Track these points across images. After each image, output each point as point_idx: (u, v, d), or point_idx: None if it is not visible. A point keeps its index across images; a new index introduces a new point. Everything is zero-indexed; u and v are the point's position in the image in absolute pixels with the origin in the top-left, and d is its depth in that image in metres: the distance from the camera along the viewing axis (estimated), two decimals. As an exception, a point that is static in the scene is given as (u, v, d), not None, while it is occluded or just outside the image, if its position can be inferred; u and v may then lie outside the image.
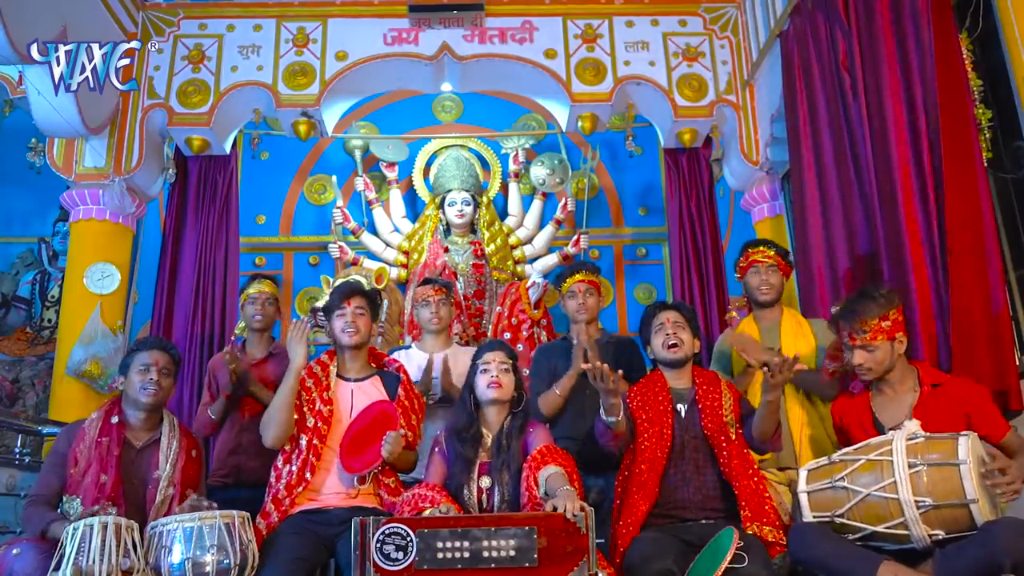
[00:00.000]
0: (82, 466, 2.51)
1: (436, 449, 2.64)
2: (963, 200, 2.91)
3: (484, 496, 2.49)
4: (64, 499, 2.48)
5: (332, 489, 2.65)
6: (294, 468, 2.65)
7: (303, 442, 2.68)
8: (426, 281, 3.66)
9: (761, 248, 3.21)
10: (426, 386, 3.24)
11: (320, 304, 4.04)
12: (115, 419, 2.63)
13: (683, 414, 2.68)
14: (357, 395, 2.80)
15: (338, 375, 2.84)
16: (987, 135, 3.01)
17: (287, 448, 2.72)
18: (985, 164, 2.97)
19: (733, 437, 2.61)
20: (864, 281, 3.30)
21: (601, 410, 2.55)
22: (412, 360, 3.38)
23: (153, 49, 4.78)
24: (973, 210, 2.89)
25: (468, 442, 2.57)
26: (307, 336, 2.78)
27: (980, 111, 3.03)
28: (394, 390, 2.83)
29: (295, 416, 2.72)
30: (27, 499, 2.59)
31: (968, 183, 2.91)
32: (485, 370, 2.62)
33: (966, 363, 2.80)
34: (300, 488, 2.62)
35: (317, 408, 2.71)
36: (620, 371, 2.49)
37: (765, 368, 2.49)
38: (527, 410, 2.66)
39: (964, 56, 3.05)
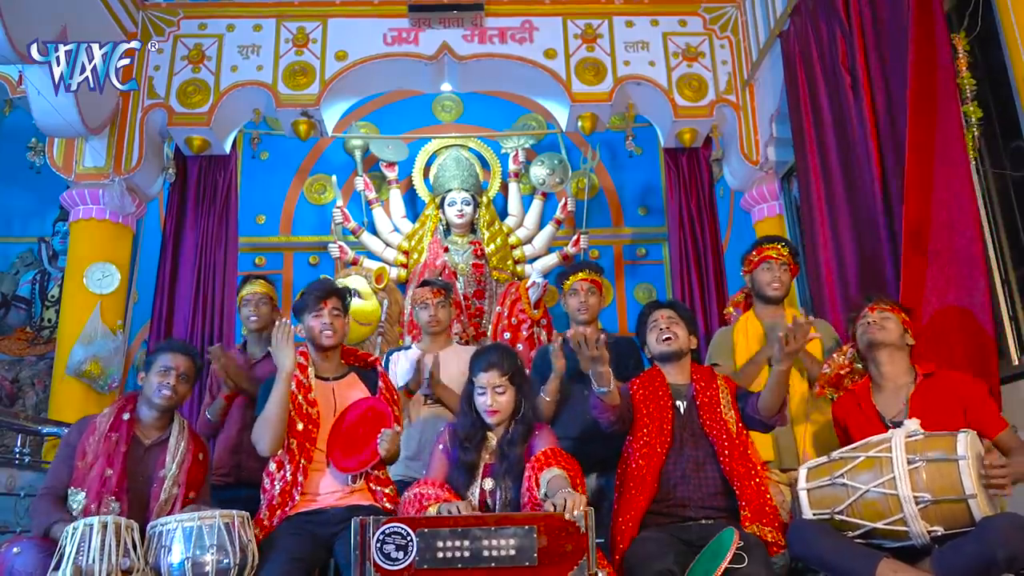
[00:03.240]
0: (89, 459, 2.51)
1: (440, 447, 2.62)
2: (922, 199, 2.95)
3: (487, 498, 2.49)
4: (69, 491, 2.48)
5: (327, 489, 2.64)
6: (287, 473, 2.63)
7: (294, 446, 2.66)
8: (424, 283, 3.64)
9: (776, 246, 3.23)
10: (417, 384, 3.22)
11: None
12: (127, 416, 2.64)
13: (682, 411, 2.68)
14: (338, 394, 2.79)
15: (316, 375, 2.80)
16: (975, 133, 3.00)
17: (278, 453, 2.69)
18: (972, 163, 2.96)
19: (734, 432, 2.60)
20: (871, 282, 3.31)
21: (593, 384, 2.55)
22: (410, 360, 3.37)
23: (153, 49, 4.79)
24: (957, 209, 2.89)
25: (472, 450, 2.56)
26: (292, 337, 2.66)
27: (971, 109, 3.01)
28: (374, 385, 2.82)
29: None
30: (39, 491, 2.60)
31: (948, 182, 2.92)
32: (481, 393, 2.59)
33: (946, 363, 2.78)
34: (295, 491, 2.60)
35: (304, 411, 2.69)
36: (602, 336, 2.48)
37: (781, 336, 2.48)
38: (531, 414, 2.63)
39: (961, 55, 3.04)
